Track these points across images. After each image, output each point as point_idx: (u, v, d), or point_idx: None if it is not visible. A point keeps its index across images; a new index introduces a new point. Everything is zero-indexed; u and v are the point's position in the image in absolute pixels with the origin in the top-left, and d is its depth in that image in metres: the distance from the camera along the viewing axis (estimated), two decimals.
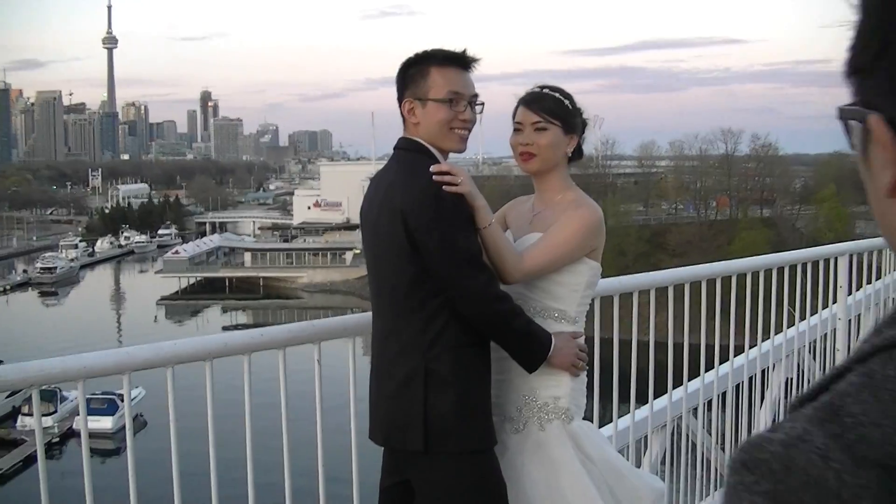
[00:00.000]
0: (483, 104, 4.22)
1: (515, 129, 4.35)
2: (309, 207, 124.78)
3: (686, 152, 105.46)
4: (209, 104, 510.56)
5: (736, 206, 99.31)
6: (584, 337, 4.40)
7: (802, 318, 7.83)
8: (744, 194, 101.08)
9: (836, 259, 8.20)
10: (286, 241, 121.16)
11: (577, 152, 4.42)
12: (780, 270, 7.31)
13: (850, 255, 8.32)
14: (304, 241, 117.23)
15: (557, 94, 4.36)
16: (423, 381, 4.00)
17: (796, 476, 0.98)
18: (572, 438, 4.24)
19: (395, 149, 4.26)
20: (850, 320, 8.51)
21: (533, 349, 4.12)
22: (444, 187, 3.94)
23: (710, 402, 7.04)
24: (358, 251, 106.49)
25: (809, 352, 8.24)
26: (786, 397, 7.90)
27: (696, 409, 7.00)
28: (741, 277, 7.05)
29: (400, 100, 4.20)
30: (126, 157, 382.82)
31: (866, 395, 1.01)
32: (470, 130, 4.20)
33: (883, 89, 1.02)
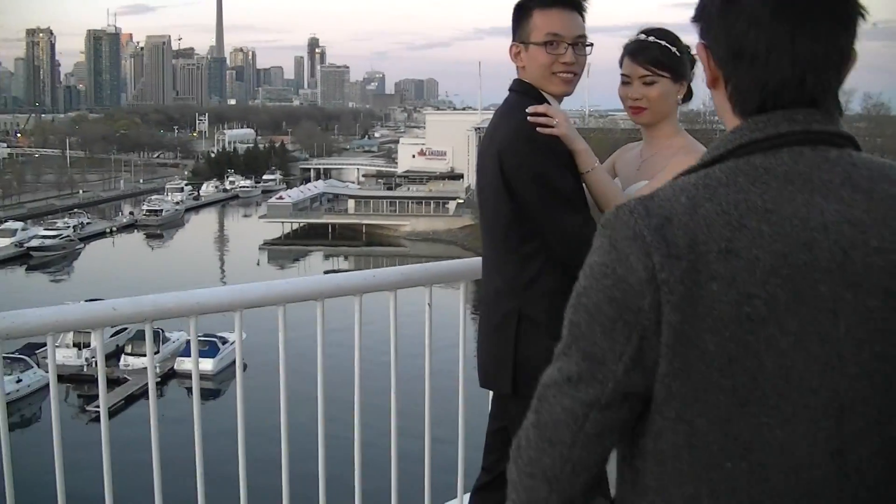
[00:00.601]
0: (591, 45, 4.08)
1: (623, 82, 4.16)
2: (413, 156, 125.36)
3: None
4: (316, 51, 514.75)
5: None
6: None
7: None
8: None
9: None
10: (390, 189, 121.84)
11: (688, 94, 4.23)
12: None
13: None
14: (408, 189, 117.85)
15: (663, 42, 4.12)
16: (516, 324, 3.95)
17: (620, 225, 1.79)
18: None
19: (508, 90, 4.15)
20: None
21: None
22: (538, 129, 3.82)
23: None
24: (461, 201, 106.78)
25: None
26: None
27: None
28: None
29: (512, 43, 4.10)
30: (233, 102, 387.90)
31: (670, 188, 1.81)
32: (576, 73, 4.07)
33: (703, 31, 1.90)
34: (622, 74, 4.15)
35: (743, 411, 1.71)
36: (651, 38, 4.13)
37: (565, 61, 3.99)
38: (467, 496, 4.66)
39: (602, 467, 1.86)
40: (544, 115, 3.85)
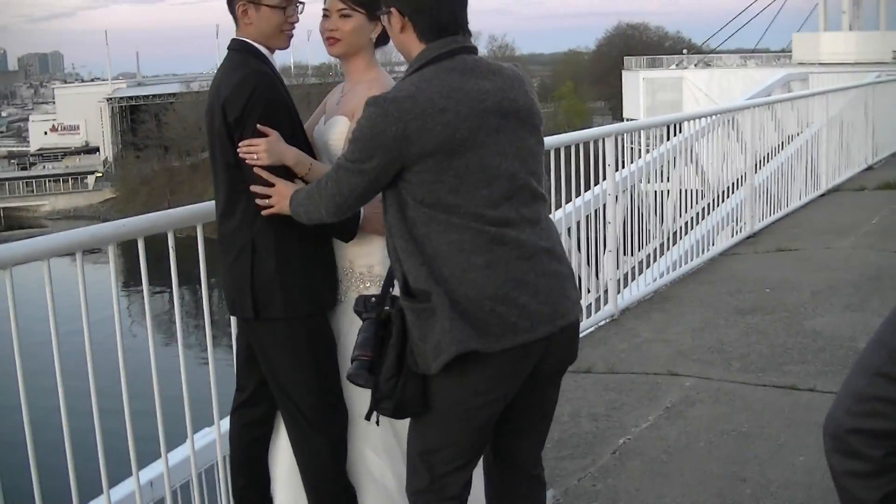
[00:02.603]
0: (303, 3, 4.52)
1: (324, 16, 4.56)
2: (45, 132, 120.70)
3: None
4: None
5: None
6: None
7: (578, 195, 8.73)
8: None
9: (603, 140, 8.98)
10: (24, 168, 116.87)
11: (383, 37, 4.53)
12: (557, 151, 8.09)
13: (615, 136, 9.17)
14: (44, 167, 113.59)
15: None
16: (250, 253, 4.39)
17: (376, 107, 3.55)
18: None
19: (227, 49, 4.53)
20: (616, 196, 9.36)
21: (342, 222, 4.27)
22: (247, 156, 4.25)
23: None
24: (100, 174, 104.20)
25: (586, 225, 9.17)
26: None
27: None
28: None
29: (231, 2, 4.45)
30: None
31: (406, 84, 3.59)
32: (293, 30, 4.52)
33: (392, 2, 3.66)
34: (323, 9, 4.54)
35: (465, 183, 3.50)
36: None
37: (292, 21, 4.46)
38: (224, 421, 5.02)
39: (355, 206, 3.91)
40: (251, 146, 4.24)
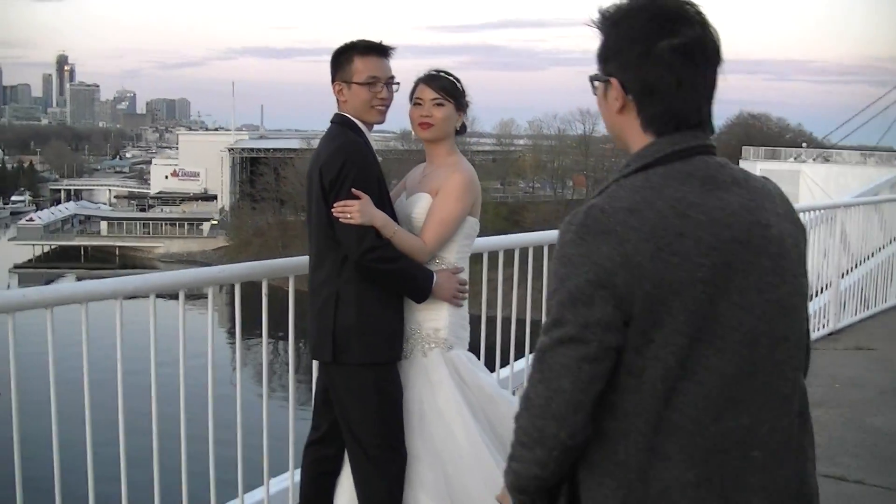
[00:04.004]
0: (399, 84, 5.12)
1: (415, 104, 5.14)
2: (166, 177, 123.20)
3: (544, 131, 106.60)
4: (65, 68, 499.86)
5: (592, 186, 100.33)
6: (463, 272, 5.21)
7: None
8: (600, 174, 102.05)
9: None
10: (143, 210, 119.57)
11: (462, 128, 5.28)
12: None
13: None
14: (161, 210, 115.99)
15: (451, 77, 5.19)
16: (334, 302, 4.91)
17: (591, 222, 2.43)
18: (450, 365, 5.08)
19: (330, 122, 5.12)
20: None
21: (417, 284, 4.99)
22: (341, 215, 4.81)
23: None
24: (215, 222, 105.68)
25: None
26: None
27: None
28: None
29: (332, 82, 5.08)
30: None
31: (621, 189, 2.48)
32: (387, 106, 5.10)
33: (617, 69, 2.55)
34: (415, 98, 5.15)
35: (693, 348, 2.40)
36: (442, 72, 5.19)
37: (382, 97, 5.04)
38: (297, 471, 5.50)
39: (593, 406, 2.44)
40: (346, 206, 4.80)
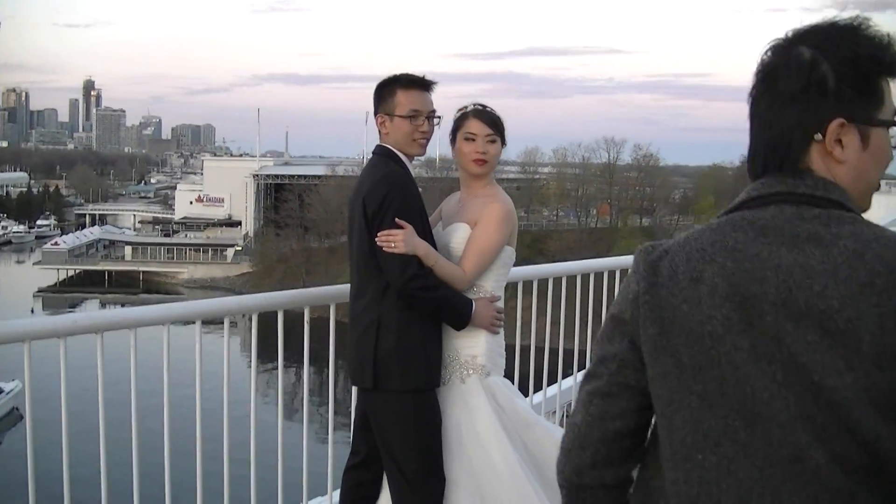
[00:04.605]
0: (440, 118, 5.23)
1: (468, 139, 5.23)
2: (191, 202, 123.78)
3: (569, 159, 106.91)
4: (92, 93, 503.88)
5: (616, 215, 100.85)
6: (500, 300, 5.31)
7: None
8: (624, 203, 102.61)
9: None
10: (167, 235, 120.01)
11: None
12: None
13: None
14: (186, 236, 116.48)
15: (496, 112, 5.31)
16: (375, 329, 4.99)
17: (633, 261, 2.29)
18: (487, 391, 5.14)
19: (372, 153, 5.26)
20: None
21: (457, 312, 5.09)
22: (384, 244, 4.90)
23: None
24: (240, 248, 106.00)
25: None
26: None
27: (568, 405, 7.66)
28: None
29: (375, 114, 5.19)
30: (5, 144, 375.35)
31: (688, 232, 2.25)
32: (428, 139, 5.21)
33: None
34: (468, 133, 5.23)
35: (712, 412, 2.06)
36: (488, 108, 5.30)
37: (423, 130, 5.15)
38: (336, 492, 5.67)
39: (608, 447, 2.30)
40: (388, 237, 4.88)
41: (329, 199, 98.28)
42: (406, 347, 4.99)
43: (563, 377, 7.53)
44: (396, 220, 4.89)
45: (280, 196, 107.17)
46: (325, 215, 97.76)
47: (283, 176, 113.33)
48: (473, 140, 5.21)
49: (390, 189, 4.94)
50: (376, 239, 4.91)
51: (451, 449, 5.09)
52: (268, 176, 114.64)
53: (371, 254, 4.96)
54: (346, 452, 5.45)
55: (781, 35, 2.23)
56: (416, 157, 5.24)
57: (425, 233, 5.04)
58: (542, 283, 7.05)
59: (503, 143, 5.30)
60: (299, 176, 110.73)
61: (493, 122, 5.23)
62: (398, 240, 4.85)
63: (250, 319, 5.45)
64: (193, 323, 5.11)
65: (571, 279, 7.24)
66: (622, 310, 2.26)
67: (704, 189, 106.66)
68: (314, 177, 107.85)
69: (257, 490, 5.53)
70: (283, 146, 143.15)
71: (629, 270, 2.30)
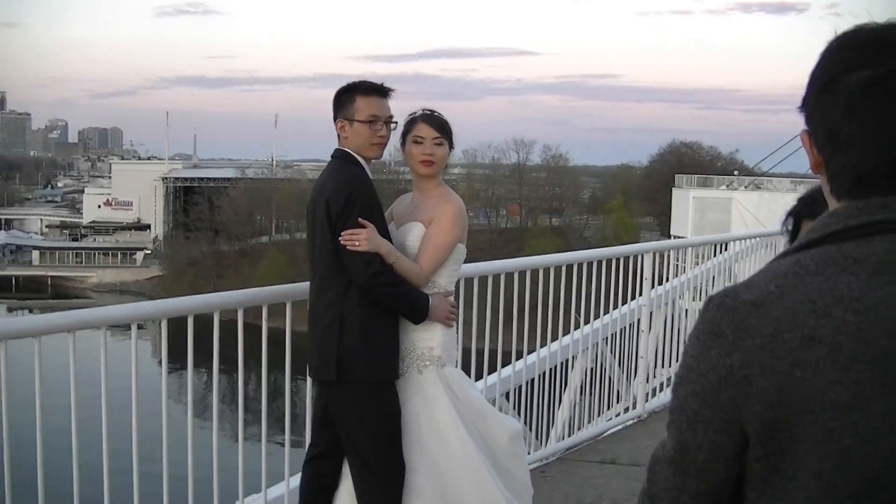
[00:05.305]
0: (396, 123, 5.46)
1: (416, 141, 5.47)
2: (99, 206, 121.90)
3: (479, 160, 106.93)
4: None
5: (526, 215, 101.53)
6: (453, 296, 5.65)
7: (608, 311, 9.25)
8: (534, 203, 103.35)
9: (642, 256, 9.47)
10: (75, 239, 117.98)
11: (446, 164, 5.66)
12: (599, 263, 8.82)
13: (654, 253, 9.58)
14: (94, 240, 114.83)
15: (444, 116, 5.60)
16: (338, 325, 5.20)
17: (707, 319, 1.84)
18: (444, 381, 5.39)
19: (331, 157, 5.46)
20: (651, 310, 9.87)
21: (415, 307, 5.32)
22: (348, 242, 5.11)
23: (520, 387, 8.48)
24: (149, 251, 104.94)
25: (607, 344, 9.71)
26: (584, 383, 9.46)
27: (508, 394, 8.24)
28: (552, 270, 8.19)
29: (335, 119, 5.39)
30: None
31: (764, 274, 1.83)
32: (385, 144, 5.44)
33: (806, 117, 1.90)
34: (416, 136, 5.47)
35: (832, 493, 1.70)
36: (436, 112, 5.58)
37: (381, 135, 5.37)
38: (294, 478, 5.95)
39: None
40: (352, 236, 5.09)
41: (239, 202, 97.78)
42: (369, 342, 5.20)
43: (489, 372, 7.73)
44: (360, 220, 5.10)
45: (189, 199, 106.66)
46: (236, 218, 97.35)
47: (192, 179, 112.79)
48: (421, 143, 5.46)
49: (353, 190, 5.17)
50: (340, 238, 5.11)
51: (410, 437, 5.31)
52: (177, 179, 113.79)
53: (334, 252, 5.17)
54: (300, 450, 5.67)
55: None
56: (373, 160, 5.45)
57: (384, 232, 5.25)
58: (483, 279, 7.33)
59: (451, 146, 5.56)
60: (209, 179, 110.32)
61: (440, 126, 5.50)
62: (361, 238, 5.08)
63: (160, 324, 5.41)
64: (144, 326, 5.14)
65: (509, 276, 7.78)
66: (707, 388, 1.81)
67: (613, 188, 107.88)
68: (224, 179, 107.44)
69: (195, 491, 5.54)
70: (192, 149, 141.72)
71: (700, 330, 1.85)
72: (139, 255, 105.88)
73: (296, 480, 5.88)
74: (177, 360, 5.34)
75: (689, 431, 1.84)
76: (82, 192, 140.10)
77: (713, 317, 1.80)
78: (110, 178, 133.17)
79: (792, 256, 1.81)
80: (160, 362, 5.63)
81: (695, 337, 1.84)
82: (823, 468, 1.69)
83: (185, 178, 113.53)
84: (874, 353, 1.65)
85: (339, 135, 5.40)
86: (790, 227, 3.36)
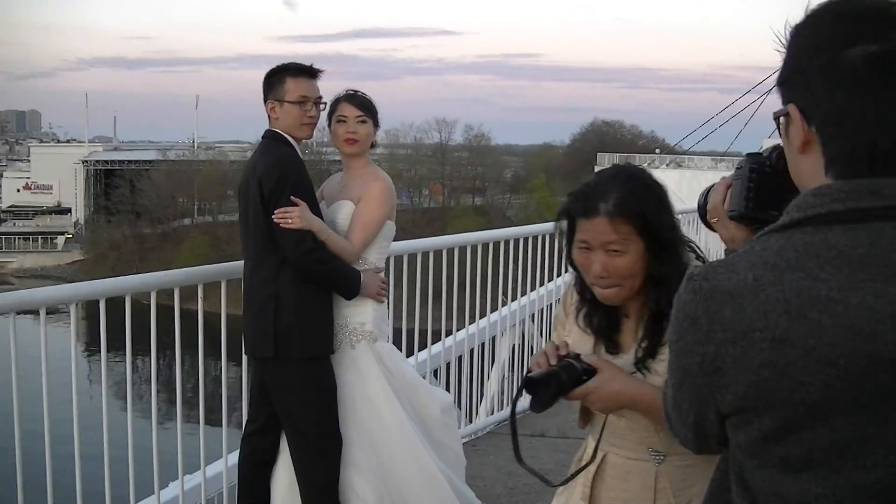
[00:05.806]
0: (325, 103, 5.57)
1: (339, 121, 5.57)
2: (18, 190, 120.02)
3: (401, 140, 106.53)
4: None
5: (449, 195, 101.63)
6: (383, 272, 5.78)
7: (534, 288, 9.46)
8: (457, 183, 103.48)
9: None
10: None
11: (374, 143, 5.79)
12: (525, 241, 8.96)
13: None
14: (14, 224, 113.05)
15: (368, 96, 5.68)
16: (274, 302, 5.32)
17: (685, 300, 1.81)
18: (376, 355, 5.55)
19: (262, 137, 5.58)
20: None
21: (348, 283, 5.43)
22: (282, 220, 5.22)
23: (449, 364, 8.64)
24: (70, 235, 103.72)
25: (533, 321, 9.95)
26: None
27: (437, 370, 8.41)
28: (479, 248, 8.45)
29: (265, 100, 5.50)
30: None
31: (745, 259, 1.75)
32: (315, 124, 5.56)
33: (796, 92, 1.78)
34: (339, 115, 5.57)
35: (795, 478, 1.70)
36: (359, 92, 5.66)
37: (311, 115, 5.49)
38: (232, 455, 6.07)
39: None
40: (285, 213, 5.20)
41: (161, 184, 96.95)
42: (304, 318, 5.31)
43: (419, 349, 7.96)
44: (292, 198, 5.21)
45: (111, 182, 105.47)
46: (158, 200, 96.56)
47: (113, 161, 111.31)
48: (345, 122, 5.55)
49: (285, 170, 5.27)
50: (273, 216, 5.21)
51: (345, 411, 5.45)
52: (97, 162, 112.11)
53: (267, 231, 5.27)
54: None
55: None
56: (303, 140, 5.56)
57: (316, 211, 5.35)
58: (412, 257, 7.53)
59: (376, 124, 5.64)
60: (130, 161, 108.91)
61: (363, 105, 5.58)
62: (294, 216, 5.19)
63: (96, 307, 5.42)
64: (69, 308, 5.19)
65: (438, 254, 7.89)
66: (686, 367, 1.84)
67: (535, 168, 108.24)
68: (145, 162, 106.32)
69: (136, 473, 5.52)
70: (112, 131, 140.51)
71: (678, 309, 1.84)
72: (60, 240, 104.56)
73: (234, 458, 5.97)
74: (100, 344, 5.45)
75: (679, 393, 1.89)
76: (1, 175, 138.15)
77: (689, 300, 1.78)
78: (29, 161, 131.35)
79: (776, 240, 1.73)
80: (85, 345, 5.61)
81: (674, 314, 1.84)
82: (790, 454, 1.70)
83: (106, 161, 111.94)
84: (848, 357, 1.60)
85: (269, 116, 5.51)
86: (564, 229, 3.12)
